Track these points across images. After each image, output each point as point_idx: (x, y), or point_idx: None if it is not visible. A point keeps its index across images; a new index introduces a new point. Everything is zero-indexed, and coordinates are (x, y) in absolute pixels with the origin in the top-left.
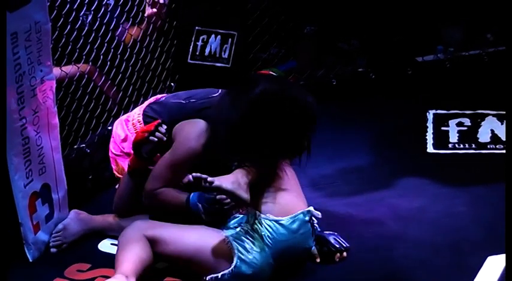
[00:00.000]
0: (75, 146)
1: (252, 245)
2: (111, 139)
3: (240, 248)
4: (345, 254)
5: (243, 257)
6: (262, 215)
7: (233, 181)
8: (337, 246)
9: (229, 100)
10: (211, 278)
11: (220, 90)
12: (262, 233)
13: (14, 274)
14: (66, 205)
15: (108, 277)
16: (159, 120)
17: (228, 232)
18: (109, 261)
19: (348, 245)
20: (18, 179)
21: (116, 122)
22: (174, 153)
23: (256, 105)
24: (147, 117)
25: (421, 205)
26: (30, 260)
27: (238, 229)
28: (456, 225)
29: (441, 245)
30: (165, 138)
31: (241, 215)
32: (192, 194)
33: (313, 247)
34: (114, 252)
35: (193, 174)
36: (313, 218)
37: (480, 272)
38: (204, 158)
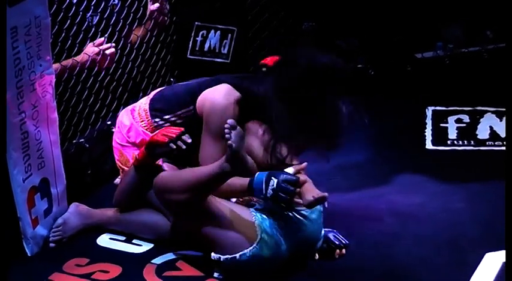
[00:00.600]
0: (74, 141)
1: (276, 230)
2: (116, 129)
3: (266, 229)
4: (344, 251)
5: (266, 238)
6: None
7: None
8: (337, 243)
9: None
10: (226, 258)
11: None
12: (287, 221)
13: (13, 269)
14: (65, 199)
15: (106, 272)
16: (183, 129)
17: (257, 213)
18: (107, 256)
19: (347, 242)
20: (17, 174)
21: (122, 112)
22: (210, 127)
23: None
24: (155, 104)
25: (420, 201)
26: (29, 255)
27: (265, 212)
28: (455, 222)
29: (440, 242)
30: (184, 147)
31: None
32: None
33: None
34: (113, 247)
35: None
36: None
37: (478, 268)
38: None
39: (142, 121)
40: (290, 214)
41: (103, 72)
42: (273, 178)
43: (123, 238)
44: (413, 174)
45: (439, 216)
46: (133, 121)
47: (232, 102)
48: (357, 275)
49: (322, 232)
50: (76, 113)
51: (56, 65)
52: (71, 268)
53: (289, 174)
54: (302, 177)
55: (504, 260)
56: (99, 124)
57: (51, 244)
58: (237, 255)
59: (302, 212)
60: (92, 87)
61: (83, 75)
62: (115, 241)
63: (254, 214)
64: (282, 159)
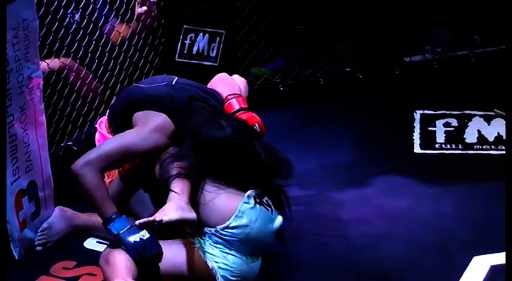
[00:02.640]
0: (62, 144)
1: (224, 255)
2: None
3: (216, 261)
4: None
5: (224, 267)
6: (212, 229)
7: (176, 207)
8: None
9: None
10: None
11: (176, 77)
12: (224, 243)
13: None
14: (52, 202)
15: (93, 275)
16: None
17: (200, 250)
18: (95, 259)
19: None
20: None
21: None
22: (133, 136)
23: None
24: (108, 116)
25: (408, 204)
26: (16, 258)
27: (206, 244)
28: (443, 225)
29: (428, 245)
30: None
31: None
32: (116, 220)
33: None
34: (100, 249)
35: (139, 221)
36: (264, 199)
37: (466, 272)
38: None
39: (108, 132)
40: (219, 237)
41: (90, 76)
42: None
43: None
44: (402, 177)
45: (427, 219)
46: (103, 132)
47: (165, 137)
48: (342, 275)
49: (277, 221)
50: (64, 116)
51: (43, 67)
52: (58, 271)
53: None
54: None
55: (492, 263)
56: (86, 127)
57: (38, 248)
58: None
59: (229, 226)
60: (79, 90)
61: (71, 79)
62: (102, 244)
63: (200, 252)
64: (167, 178)
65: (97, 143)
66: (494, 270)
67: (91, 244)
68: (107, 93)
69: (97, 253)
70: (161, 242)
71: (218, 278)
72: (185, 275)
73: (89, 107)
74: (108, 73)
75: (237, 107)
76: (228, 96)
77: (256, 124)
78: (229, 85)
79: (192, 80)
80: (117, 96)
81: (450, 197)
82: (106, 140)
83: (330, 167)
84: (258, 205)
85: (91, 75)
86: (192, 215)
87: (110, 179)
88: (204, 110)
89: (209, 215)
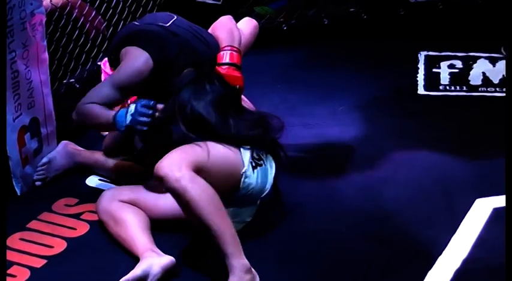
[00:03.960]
0: (65, 81)
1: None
2: None
3: None
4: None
5: None
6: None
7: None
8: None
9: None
10: None
11: (175, 17)
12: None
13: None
14: (54, 139)
15: (95, 213)
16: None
17: None
18: (97, 196)
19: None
20: (7, 113)
21: None
22: (121, 72)
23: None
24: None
25: (410, 146)
26: (19, 194)
27: None
28: (445, 168)
29: (430, 188)
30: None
31: None
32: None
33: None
34: (102, 187)
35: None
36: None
37: (468, 214)
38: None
39: (111, 70)
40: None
41: (94, 12)
42: (131, 105)
43: None
44: (405, 119)
45: (429, 162)
46: (106, 70)
47: (147, 70)
48: (344, 216)
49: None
50: (66, 53)
51: (45, 1)
52: (60, 207)
53: (147, 100)
54: None
55: (494, 206)
56: (89, 65)
57: (37, 183)
58: None
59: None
60: (83, 27)
61: (74, 15)
62: (104, 182)
63: None
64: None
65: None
66: (497, 212)
67: (93, 181)
68: (110, 30)
69: (99, 191)
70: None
71: None
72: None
73: (92, 44)
74: (111, 10)
75: (227, 61)
76: (225, 47)
77: (238, 86)
78: (229, 34)
79: (191, 22)
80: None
81: (453, 140)
82: (97, 85)
83: (332, 108)
84: (256, 169)
85: (94, 12)
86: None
87: None
88: (190, 64)
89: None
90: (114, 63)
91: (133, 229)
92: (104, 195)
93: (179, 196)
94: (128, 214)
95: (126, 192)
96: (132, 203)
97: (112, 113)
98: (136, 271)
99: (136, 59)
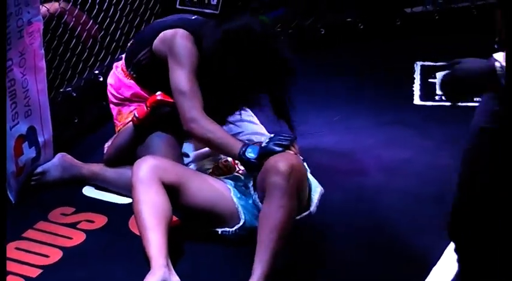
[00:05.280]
0: (62, 90)
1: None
2: (108, 92)
3: (242, 204)
4: (295, 147)
5: (246, 211)
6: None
7: None
8: (280, 149)
9: (211, 26)
10: (223, 231)
11: (195, 16)
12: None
13: None
14: (51, 148)
15: (92, 222)
16: None
17: (232, 189)
18: (93, 205)
19: (292, 135)
20: None
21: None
22: (182, 63)
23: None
24: (126, 54)
25: (406, 156)
26: (13, 203)
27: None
28: (441, 178)
29: (425, 196)
30: None
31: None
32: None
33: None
34: (99, 197)
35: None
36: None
37: None
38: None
39: (125, 75)
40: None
41: (91, 21)
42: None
43: None
44: (401, 129)
45: (425, 171)
46: (119, 76)
47: (193, 45)
48: (340, 229)
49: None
50: (63, 62)
51: (43, 11)
52: (57, 216)
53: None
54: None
55: None
56: (86, 73)
57: (31, 186)
58: (232, 229)
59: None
60: (80, 36)
61: (71, 24)
62: (101, 191)
63: (230, 190)
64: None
65: (109, 86)
66: None
67: (90, 191)
68: (107, 39)
69: (96, 200)
70: (200, 175)
71: (241, 218)
72: (215, 211)
73: (89, 53)
74: (108, 19)
75: None
76: None
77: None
78: None
79: None
80: (134, 38)
81: (449, 149)
82: (175, 95)
83: (328, 117)
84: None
85: (91, 21)
86: None
87: (118, 128)
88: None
89: None
90: (141, 63)
91: (156, 227)
92: (150, 164)
93: None
94: (159, 206)
95: (171, 175)
96: (174, 187)
97: (238, 147)
98: None
99: (183, 39)
